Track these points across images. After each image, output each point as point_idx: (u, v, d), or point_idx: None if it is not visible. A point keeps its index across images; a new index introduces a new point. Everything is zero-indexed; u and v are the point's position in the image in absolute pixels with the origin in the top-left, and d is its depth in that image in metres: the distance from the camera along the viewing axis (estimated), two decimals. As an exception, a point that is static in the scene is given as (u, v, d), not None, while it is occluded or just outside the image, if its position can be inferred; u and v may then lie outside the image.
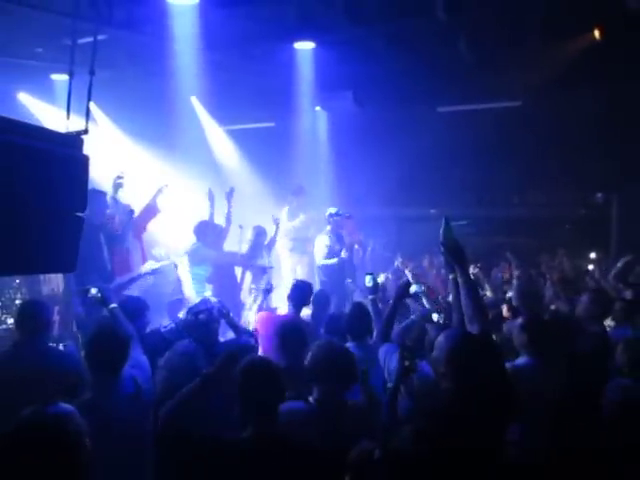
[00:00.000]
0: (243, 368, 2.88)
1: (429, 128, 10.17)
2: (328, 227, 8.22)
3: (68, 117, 3.24)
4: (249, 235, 7.85)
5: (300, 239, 9.29)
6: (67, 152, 2.93)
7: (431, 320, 4.62)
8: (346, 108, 9.97)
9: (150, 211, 7.58)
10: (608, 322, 5.25)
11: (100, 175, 6.55)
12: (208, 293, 6.62)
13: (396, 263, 8.41)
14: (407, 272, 7.25)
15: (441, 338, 2.57)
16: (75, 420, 2.11)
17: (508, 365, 3.69)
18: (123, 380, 3.43)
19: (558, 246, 9.76)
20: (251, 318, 5.72)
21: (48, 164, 2.82)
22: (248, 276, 7.69)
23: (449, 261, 3.11)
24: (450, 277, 3.15)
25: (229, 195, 7.78)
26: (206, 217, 7.65)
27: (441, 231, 3.11)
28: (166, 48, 7.72)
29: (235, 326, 4.79)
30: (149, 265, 6.08)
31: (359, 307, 4.79)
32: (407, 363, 3.32)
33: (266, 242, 8.02)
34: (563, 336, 4.35)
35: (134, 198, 7.49)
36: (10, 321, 6.36)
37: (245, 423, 2.78)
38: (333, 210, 8.26)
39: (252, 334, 4.74)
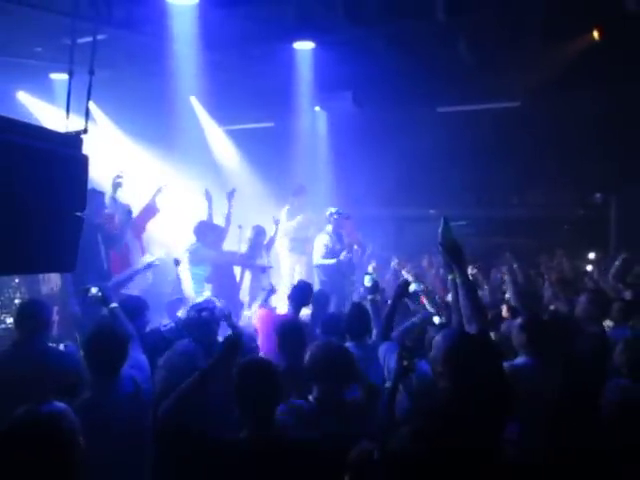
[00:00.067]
0: (240, 368, 2.89)
1: (428, 128, 10.18)
2: (329, 227, 8.23)
3: (67, 117, 3.24)
4: (248, 235, 7.86)
5: (299, 239, 9.30)
6: (66, 152, 2.93)
7: (433, 323, 4.63)
8: (345, 108, 9.97)
9: (149, 211, 7.58)
10: (607, 322, 5.26)
11: (99, 175, 6.54)
12: (207, 293, 6.61)
13: (392, 264, 8.41)
14: (404, 272, 7.26)
15: (439, 337, 2.58)
16: (68, 418, 2.12)
17: (507, 365, 3.70)
18: (122, 380, 3.43)
19: (557, 246, 9.77)
20: (253, 313, 5.71)
21: (47, 164, 2.83)
22: (247, 276, 7.70)
23: (448, 261, 3.11)
24: (449, 277, 3.16)
25: (230, 195, 7.78)
26: (205, 217, 7.66)
27: (440, 231, 3.11)
28: (165, 48, 7.72)
29: (235, 328, 4.79)
30: (144, 259, 6.07)
31: (358, 307, 4.80)
32: (405, 363, 3.33)
33: (265, 242, 8.03)
34: (562, 336, 4.36)
35: (133, 198, 7.50)
36: (9, 320, 6.35)
37: (243, 423, 2.78)
38: (334, 209, 8.27)
39: (253, 337, 4.74)
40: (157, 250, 8.11)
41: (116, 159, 8.99)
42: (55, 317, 4.43)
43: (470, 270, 5.64)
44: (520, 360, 3.97)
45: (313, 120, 11.22)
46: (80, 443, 2.09)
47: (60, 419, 2.08)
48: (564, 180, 11.04)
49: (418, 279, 5.89)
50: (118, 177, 6.74)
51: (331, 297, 6.70)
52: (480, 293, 6.26)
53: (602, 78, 8.43)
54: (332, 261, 8.00)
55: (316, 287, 7.34)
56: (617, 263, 7.01)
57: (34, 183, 2.74)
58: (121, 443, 3.20)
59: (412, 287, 4.99)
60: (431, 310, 5.45)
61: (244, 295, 7.58)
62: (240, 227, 7.76)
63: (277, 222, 8.23)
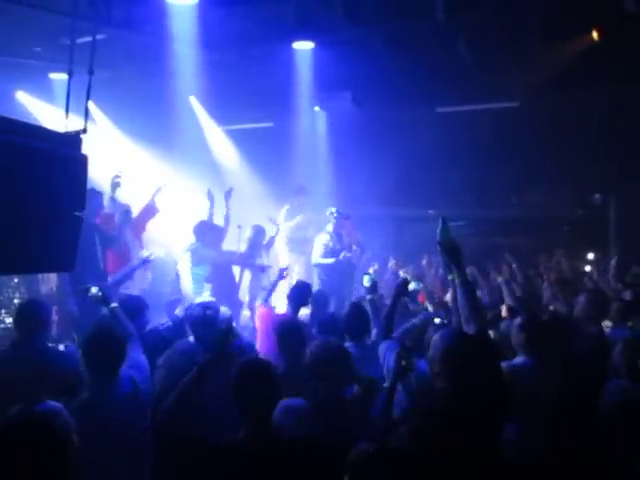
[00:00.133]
0: (239, 369, 2.90)
1: (428, 128, 10.18)
2: (329, 226, 8.23)
3: (67, 116, 3.25)
4: (248, 234, 7.86)
5: (298, 239, 9.30)
6: (66, 152, 2.94)
7: (434, 323, 4.63)
8: (345, 108, 9.97)
9: (149, 211, 7.59)
10: (606, 323, 5.26)
11: (99, 175, 6.55)
12: (207, 293, 6.62)
13: (389, 264, 8.42)
14: (401, 272, 7.28)
15: (436, 337, 2.58)
16: (62, 417, 2.12)
17: (505, 365, 3.70)
18: (120, 380, 3.43)
19: (556, 247, 9.78)
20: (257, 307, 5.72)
21: (47, 163, 2.83)
22: (247, 275, 7.70)
23: (446, 261, 3.12)
24: (449, 278, 3.16)
25: (227, 195, 7.79)
26: (205, 217, 7.66)
27: (438, 231, 3.12)
28: (165, 48, 7.72)
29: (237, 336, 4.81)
30: (140, 254, 6.07)
31: (357, 307, 4.80)
32: (404, 363, 3.33)
33: (265, 242, 8.03)
34: (561, 336, 4.35)
35: (133, 198, 7.50)
36: (9, 320, 6.35)
37: (241, 424, 2.79)
38: (334, 209, 8.29)
39: (252, 345, 4.73)
40: (157, 250, 8.13)
41: (115, 159, 8.99)
42: (54, 317, 4.43)
43: (468, 270, 5.65)
44: (519, 360, 3.97)
45: (312, 120, 11.22)
46: (74, 442, 2.09)
47: (54, 418, 2.08)
48: (563, 180, 11.04)
49: (417, 279, 5.90)
50: (117, 177, 6.75)
51: (331, 297, 6.71)
52: (479, 293, 6.28)
53: (602, 78, 8.44)
54: (331, 260, 8.01)
55: (315, 287, 7.35)
56: (613, 263, 7.02)
57: (33, 183, 2.75)
58: (119, 443, 3.20)
59: (411, 286, 5.00)
60: (430, 309, 5.46)
61: (243, 295, 7.59)
62: (239, 227, 7.76)
63: (274, 222, 8.23)
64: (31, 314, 4.08)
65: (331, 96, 9.99)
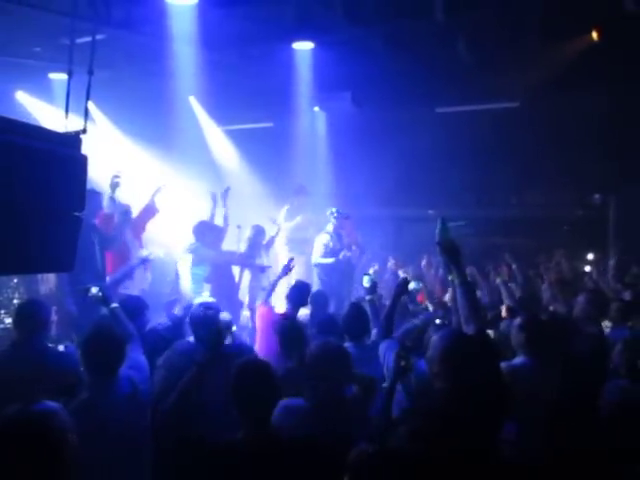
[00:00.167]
0: (238, 369, 2.90)
1: (427, 129, 10.17)
2: (330, 226, 8.24)
3: (66, 117, 3.25)
4: (247, 234, 7.86)
5: (298, 240, 9.30)
6: (66, 152, 2.94)
7: (434, 324, 4.63)
8: (344, 109, 9.96)
9: (149, 211, 7.59)
10: (606, 323, 5.27)
11: (98, 175, 6.55)
12: (206, 293, 6.62)
13: (389, 264, 8.42)
14: (400, 272, 7.28)
15: (435, 337, 2.58)
16: (59, 417, 2.11)
17: (505, 365, 3.70)
18: (119, 380, 3.43)
19: (556, 247, 9.77)
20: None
21: (46, 164, 2.83)
22: (246, 275, 7.70)
23: (446, 261, 3.12)
24: (450, 278, 3.16)
25: (224, 194, 7.78)
26: (206, 217, 7.67)
27: (437, 231, 3.11)
28: (164, 48, 7.71)
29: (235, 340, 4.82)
30: (139, 254, 6.07)
31: (356, 307, 4.80)
32: (403, 363, 3.33)
33: (264, 242, 8.03)
34: (560, 336, 4.35)
35: (133, 198, 7.50)
36: (8, 320, 6.35)
37: (240, 424, 2.79)
38: (334, 209, 8.30)
39: (251, 346, 4.73)
40: (156, 250, 8.14)
41: (115, 159, 8.99)
42: (54, 317, 4.43)
43: (468, 270, 5.65)
44: (518, 360, 3.97)
45: (312, 120, 11.22)
46: (72, 442, 2.09)
47: (50, 418, 2.08)
48: (563, 180, 11.03)
49: (417, 278, 5.90)
50: (115, 177, 6.75)
51: (330, 297, 6.70)
52: (479, 293, 6.28)
53: (602, 78, 8.43)
54: (330, 260, 8.01)
55: (315, 287, 7.35)
56: (611, 263, 7.03)
57: (33, 183, 2.75)
58: (118, 444, 3.20)
59: (411, 285, 5.00)
60: (431, 309, 5.46)
61: (243, 295, 7.59)
62: (239, 227, 7.76)
63: (274, 222, 8.23)
64: (30, 314, 4.08)
65: (331, 96, 9.99)
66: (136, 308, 4.49)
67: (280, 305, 5.88)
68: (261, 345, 5.05)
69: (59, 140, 2.96)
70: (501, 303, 5.74)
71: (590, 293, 5.48)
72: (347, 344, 4.30)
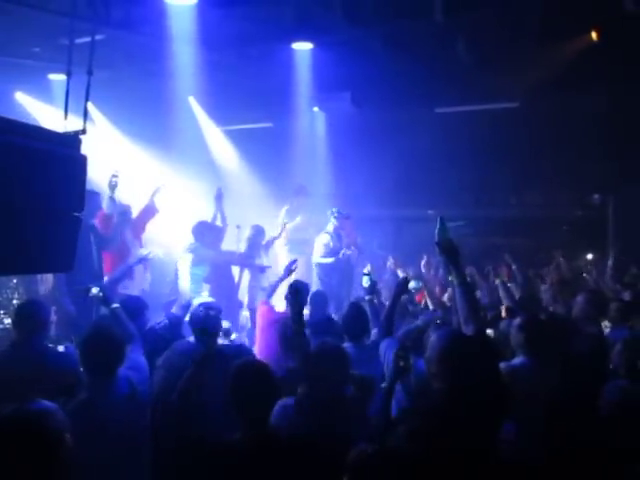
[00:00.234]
0: (236, 370, 2.90)
1: (427, 129, 10.17)
2: (330, 226, 8.23)
3: (66, 117, 3.25)
4: (247, 234, 7.86)
5: (297, 240, 9.30)
6: (65, 152, 2.94)
7: (435, 324, 4.63)
8: (344, 109, 9.96)
9: (149, 211, 7.59)
10: (605, 323, 5.27)
11: (98, 175, 6.54)
12: (205, 293, 6.62)
13: (388, 264, 8.42)
14: (399, 272, 7.27)
15: (433, 338, 2.58)
16: (55, 417, 2.11)
17: (504, 365, 3.70)
18: (118, 381, 3.43)
19: (555, 247, 9.77)
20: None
21: (46, 164, 2.83)
22: (246, 275, 7.70)
23: (445, 261, 3.12)
24: (449, 278, 3.16)
25: (218, 197, 7.75)
26: (206, 217, 7.66)
27: (436, 231, 3.11)
28: (164, 48, 7.71)
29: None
30: (138, 252, 6.06)
31: (356, 307, 4.80)
32: (402, 363, 3.32)
33: (264, 242, 8.03)
34: (560, 336, 4.35)
35: (132, 198, 7.50)
36: (7, 321, 6.35)
37: (239, 424, 2.79)
38: (335, 209, 8.30)
39: (250, 350, 4.73)
40: (156, 250, 8.13)
41: (114, 159, 8.99)
42: (53, 317, 4.43)
43: (467, 271, 5.66)
44: (517, 360, 3.97)
45: (311, 120, 11.21)
46: (68, 442, 2.09)
47: (46, 417, 2.08)
48: (562, 180, 11.04)
49: (417, 278, 5.89)
50: (114, 177, 6.74)
51: (330, 297, 6.70)
52: (479, 294, 6.28)
53: (601, 78, 8.43)
54: (330, 260, 8.01)
55: (314, 287, 7.35)
56: (610, 263, 7.03)
57: (32, 183, 2.75)
58: (117, 444, 3.20)
59: (411, 284, 4.99)
60: (430, 308, 5.45)
61: (242, 295, 7.59)
62: (238, 227, 7.77)
63: (283, 226, 8.25)
64: (30, 315, 4.08)
65: (330, 97, 9.98)
66: (136, 308, 4.49)
67: (280, 305, 5.88)
68: (261, 345, 5.04)
69: (58, 140, 2.96)
70: (501, 303, 5.74)
71: (589, 293, 5.48)
72: (346, 344, 4.29)
